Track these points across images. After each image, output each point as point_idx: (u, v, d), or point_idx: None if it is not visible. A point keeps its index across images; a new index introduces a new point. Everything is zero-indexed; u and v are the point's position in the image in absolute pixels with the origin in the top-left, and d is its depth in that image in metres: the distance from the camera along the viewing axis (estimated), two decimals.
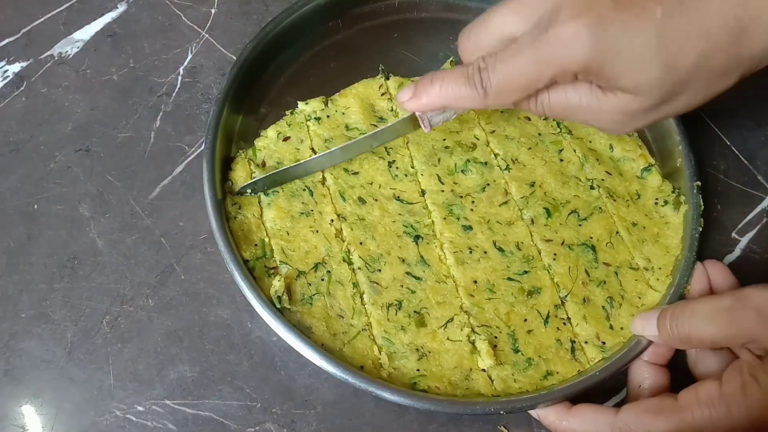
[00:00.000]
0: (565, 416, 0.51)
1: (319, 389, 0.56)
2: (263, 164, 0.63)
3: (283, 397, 0.55)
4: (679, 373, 0.55)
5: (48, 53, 0.71)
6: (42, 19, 0.73)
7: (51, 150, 0.65)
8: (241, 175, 0.61)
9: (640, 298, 0.59)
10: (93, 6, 0.74)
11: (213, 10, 0.75)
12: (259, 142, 0.64)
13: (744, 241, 0.65)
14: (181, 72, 0.71)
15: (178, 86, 0.70)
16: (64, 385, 0.55)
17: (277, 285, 0.55)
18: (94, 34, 0.73)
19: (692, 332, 0.49)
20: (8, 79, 0.69)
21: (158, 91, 0.69)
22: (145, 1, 0.75)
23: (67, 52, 0.71)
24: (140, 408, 0.54)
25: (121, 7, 0.74)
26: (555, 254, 0.60)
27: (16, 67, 0.70)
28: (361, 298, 0.57)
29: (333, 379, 0.52)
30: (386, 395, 0.51)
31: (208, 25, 0.74)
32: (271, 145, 0.64)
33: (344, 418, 0.55)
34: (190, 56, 0.72)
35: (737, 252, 0.64)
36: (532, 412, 0.53)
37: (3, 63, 0.70)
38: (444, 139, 0.65)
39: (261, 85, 0.68)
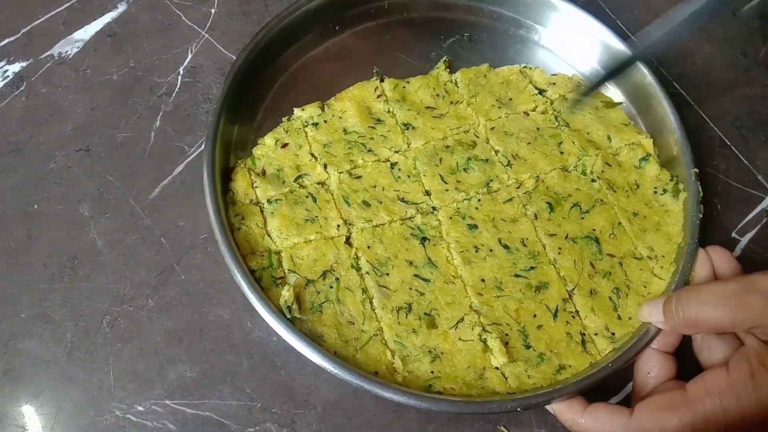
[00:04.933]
0: (580, 415, 0.51)
1: (319, 389, 0.56)
2: (263, 172, 0.62)
3: (283, 397, 0.55)
4: (685, 362, 0.55)
5: (48, 53, 0.71)
6: (42, 19, 0.73)
7: (51, 150, 0.65)
8: (242, 184, 0.61)
9: (645, 287, 0.59)
10: (93, 6, 0.74)
11: (213, 10, 0.75)
12: (257, 151, 0.64)
13: (744, 241, 0.65)
14: (181, 72, 0.71)
15: (178, 86, 0.70)
16: (64, 385, 0.55)
17: (286, 295, 0.55)
18: (94, 34, 0.73)
19: (699, 316, 0.49)
20: (8, 79, 0.69)
21: (158, 91, 0.69)
22: (145, 1, 0.75)
23: (67, 52, 0.71)
24: (140, 408, 0.54)
25: (121, 7, 0.74)
26: (560, 248, 0.60)
27: (16, 67, 0.70)
28: (371, 303, 0.57)
29: (333, 379, 0.52)
30: (403, 400, 0.51)
31: (208, 25, 0.74)
32: (270, 152, 0.64)
33: (344, 418, 0.55)
34: (190, 56, 0.72)
35: (737, 252, 0.64)
36: (549, 407, 0.53)
37: (3, 63, 0.70)
38: (444, 138, 0.66)
39: (255, 94, 0.67)
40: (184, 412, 0.54)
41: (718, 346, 0.52)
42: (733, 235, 0.65)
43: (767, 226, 0.66)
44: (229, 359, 0.57)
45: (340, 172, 0.63)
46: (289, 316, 0.54)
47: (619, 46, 0.69)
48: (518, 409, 0.52)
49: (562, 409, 0.52)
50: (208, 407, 0.55)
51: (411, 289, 0.57)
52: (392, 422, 0.55)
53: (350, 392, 0.56)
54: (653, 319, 0.54)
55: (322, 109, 0.67)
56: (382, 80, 0.69)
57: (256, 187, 0.61)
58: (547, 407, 0.53)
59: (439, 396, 0.52)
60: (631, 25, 0.77)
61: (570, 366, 0.55)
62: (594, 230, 0.61)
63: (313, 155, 0.64)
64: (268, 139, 0.65)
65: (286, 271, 0.57)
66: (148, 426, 0.54)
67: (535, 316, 0.57)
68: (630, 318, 0.57)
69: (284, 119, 0.66)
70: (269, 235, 0.59)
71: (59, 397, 0.55)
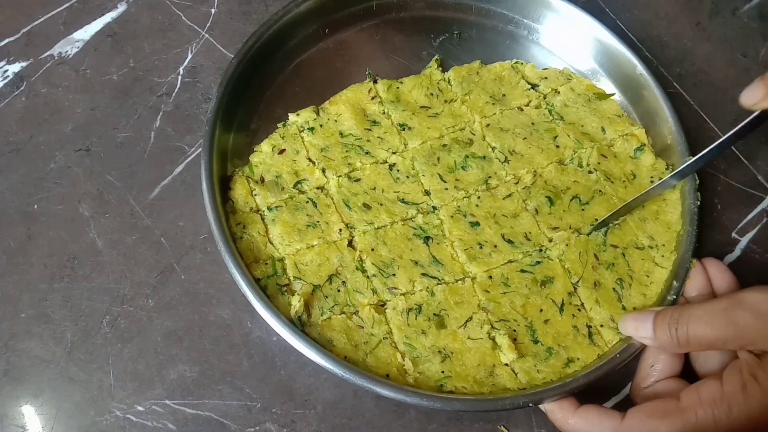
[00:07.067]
0: (572, 415, 0.51)
1: (319, 389, 0.56)
2: (262, 180, 0.62)
3: (283, 397, 0.55)
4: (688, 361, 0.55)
5: (48, 53, 0.71)
6: (42, 19, 0.73)
7: (51, 150, 0.65)
8: (241, 193, 0.61)
9: (648, 276, 0.60)
10: (93, 6, 0.74)
11: (213, 10, 0.75)
12: (254, 158, 0.64)
13: (744, 241, 0.65)
14: (181, 72, 0.71)
15: (178, 86, 0.70)
16: (64, 385, 0.55)
17: (297, 305, 0.55)
18: (94, 34, 0.73)
19: (690, 335, 0.50)
20: (8, 79, 0.69)
21: (158, 91, 0.69)
22: (145, 1, 0.75)
23: (67, 52, 0.71)
24: (140, 408, 0.54)
25: (121, 7, 0.74)
26: (566, 241, 0.60)
27: (16, 67, 0.70)
28: (382, 305, 0.57)
29: (333, 379, 0.52)
30: (416, 401, 0.51)
31: (208, 25, 0.74)
32: (267, 159, 0.64)
33: (344, 418, 0.55)
34: (190, 56, 0.72)
35: (737, 252, 0.64)
36: (541, 406, 0.53)
37: (3, 63, 0.70)
38: (441, 137, 0.66)
39: (249, 101, 0.67)
40: (184, 412, 0.54)
41: (713, 355, 0.52)
42: (733, 235, 0.65)
43: (767, 226, 0.66)
44: (229, 359, 0.57)
45: (339, 176, 0.63)
46: (301, 328, 0.54)
47: (605, 35, 0.70)
48: (530, 405, 0.52)
49: (553, 408, 0.52)
50: (208, 407, 0.55)
51: (421, 289, 0.58)
52: (392, 422, 0.55)
53: (350, 392, 0.56)
54: (640, 334, 0.53)
55: (317, 114, 0.67)
56: (375, 82, 0.69)
57: (255, 194, 0.61)
58: (540, 406, 0.53)
59: (451, 395, 0.53)
60: (631, 25, 0.77)
61: (578, 359, 0.56)
62: (596, 221, 0.61)
63: (310, 160, 0.64)
64: (265, 146, 0.64)
65: (291, 278, 0.57)
66: (148, 426, 0.54)
67: (541, 310, 0.57)
68: (634, 308, 0.58)
69: (280, 125, 0.66)
70: (272, 243, 0.59)
71: (59, 397, 0.55)
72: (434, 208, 0.62)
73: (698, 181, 0.62)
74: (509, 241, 0.60)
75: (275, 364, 0.56)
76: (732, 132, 0.56)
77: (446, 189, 0.62)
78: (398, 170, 0.64)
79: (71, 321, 0.57)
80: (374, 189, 0.62)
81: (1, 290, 0.59)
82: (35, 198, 0.63)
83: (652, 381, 0.53)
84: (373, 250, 0.59)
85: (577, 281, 0.59)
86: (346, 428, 0.55)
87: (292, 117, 0.66)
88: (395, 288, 0.57)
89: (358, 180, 0.63)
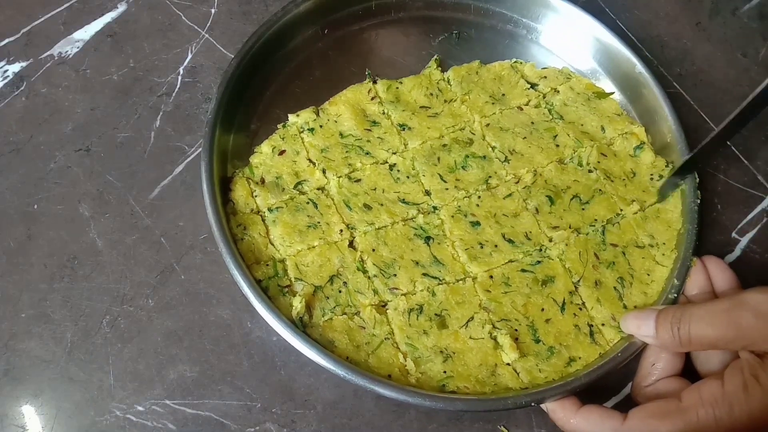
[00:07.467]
0: (573, 415, 0.51)
1: (319, 389, 0.56)
2: (262, 181, 0.62)
3: (283, 397, 0.55)
4: (690, 360, 0.55)
5: (48, 53, 0.71)
6: (42, 19, 0.73)
7: (51, 150, 0.65)
8: (242, 194, 0.61)
9: (648, 275, 0.59)
10: (93, 6, 0.74)
11: (213, 10, 0.75)
12: (254, 159, 0.64)
13: (744, 241, 0.65)
14: (181, 72, 0.71)
15: (178, 86, 0.70)
16: (64, 385, 0.55)
17: (298, 307, 0.55)
18: (94, 34, 0.73)
19: (692, 335, 0.50)
20: (8, 79, 0.69)
21: (158, 91, 0.69)
22: (145, 1, 0.75)
23: (67, 52, 0.71)
24: (140, 408, 0.54)
25: (121, 7, 0.74)
26: (566, 240, 0.60)
27: (16, 67, 0.70)
28: (383, 305, 0.57)
29: (333, 379, 0.52)
30: (419, 402, 0.51)
31: (208, 25, 0.74)
32: (267, 160, 0.64)
33: (344, 418, 0.55)
34: (190, 56, 0.72)
35: (737, 252, 0.64)
36: (543, 405, 0.53)
37: (3, 63, 0.70)
38: (441, 137, 0.66)
39: (249, 101, 0.67)
40: (184, 412, 0.54)
41: (714, 354, 0.53)
42: (733, 235, 0.65)
43: (767, 226, 0.66)
44: (229, 359, 0.57)
45: (339, 177, 0.63)
46: (302, 329, 0.54)
47: (605, 35, 0.70)
48: (532, 404, 0.52)
49: (554, 408, 0.52)
50: (208, 407, 0.55)
51: (422, 289, 0.58)
52: (392, 422, 0.55)
53: (350, 392, 0.56)
54: (642, 333, 0.53)
55: (317, 114, 0.66)
56: (374, 82, 0.69)
57: (255, 196, 0.61)
58: (541, 405, 0.53)
59: (453, 395, 0.53)
60: (631, 25, 0.77)
61: (580, 358, 0.56)
62: (596, 220, 0.62)
63: (311, 161, 0.64)
64: (265, 147, 0.64)
65: (293, 279, 0.57)
66: (148, 426, 0.54)
67: (542, 310, 0.57)
68: (635, 307, 0.58)
69: (280, 126, 0.66)
70: (272, 244, 0.59)
71: (59, 397, 0.55)
72: (435, 208, 0.62)
73: (698, 179, 0.62)
74: (510, 241, 0.60)
75: (275, 364, 0.56)
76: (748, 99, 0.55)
77: (446, 189, 0.62)
78: (398, 170, 0.64)
79: (71, 321, 0.57)
80: (375, 189, 0.63)
81: (1, 290, 0.59)
82: (35, 198, 0.63)
83: (653, 380, 0.53)
84: (374, 250, 0.59)
85: (578, 280, 0.59)
86: (346, 428, 0.55)
87: (291, 118, 0.66)
88: (396, 288, 0.57)
89: (358, 180, 0.63)
